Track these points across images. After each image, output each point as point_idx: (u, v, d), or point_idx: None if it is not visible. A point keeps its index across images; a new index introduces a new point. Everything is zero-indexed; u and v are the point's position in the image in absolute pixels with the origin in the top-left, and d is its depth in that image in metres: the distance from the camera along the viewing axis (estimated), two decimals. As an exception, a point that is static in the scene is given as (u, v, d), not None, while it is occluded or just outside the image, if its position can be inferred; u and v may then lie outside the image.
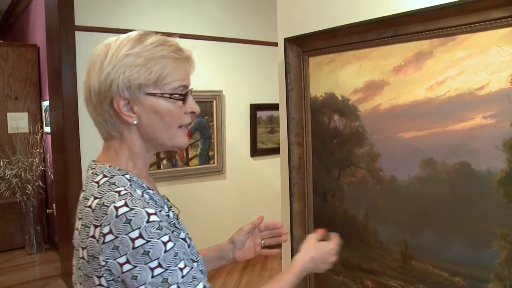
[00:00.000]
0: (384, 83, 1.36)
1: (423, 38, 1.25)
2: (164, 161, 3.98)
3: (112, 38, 0.96)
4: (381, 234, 1.42)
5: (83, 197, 0.92)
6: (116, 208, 0.81)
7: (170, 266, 0.82)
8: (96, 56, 0.94)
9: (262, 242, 1.31)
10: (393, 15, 1.27)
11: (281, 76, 1.72)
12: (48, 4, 3.66)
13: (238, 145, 4.41)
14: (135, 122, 0.94)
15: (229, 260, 1.29)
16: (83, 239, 0.86)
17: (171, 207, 1.05)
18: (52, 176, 4.33)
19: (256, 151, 4.55)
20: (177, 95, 0.95)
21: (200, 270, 0.97)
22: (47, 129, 4.61)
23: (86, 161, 3.54)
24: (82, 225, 0.87)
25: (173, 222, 0.98)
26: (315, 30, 1.54)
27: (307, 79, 1.64)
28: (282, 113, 1.78)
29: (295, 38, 1.61)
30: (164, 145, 1.00)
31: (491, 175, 1.13)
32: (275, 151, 4.25)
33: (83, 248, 0.86)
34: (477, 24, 1.14)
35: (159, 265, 0.81)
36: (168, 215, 0.97)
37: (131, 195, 0.85)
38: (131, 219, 0.80)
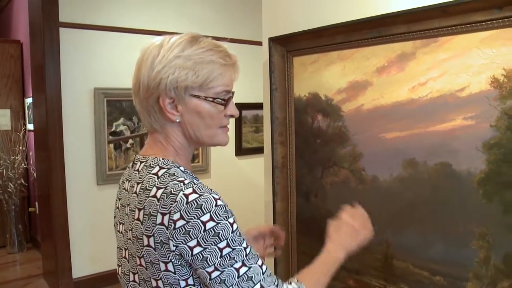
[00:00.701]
0: (368, 83, 1.36)
1: (406, 40, 1.25)
2: (149, 160, 3.95)
3: (165, 38, 1.00)
4: (363, 234, 1.42)
5: (141, 188, 0.94)
6: (186, 195, 0.86)
7: (236, 246, 0.87)
8: (149, 53, 0.98)
9: (264, 246, 1.34)
10: (377, 16, 1.27)
11: (265, 75, 1.71)
12: (31, 0, 3.60)
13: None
14: (177, 120, 0.98)
15: None
16: (148, 227, 0.89)
17: None
18: (34, 174, 4.26)
19: (241, 150, 4.54)
20: (220, 100, 0.98)
21: None
22: (30, 126, 4.53)
23: (69, 159, 3.51)
24: (145, 214, 0.90)
25: None
26: (299, 30, 1.53)
27: (291, 78, 1.64)
28: (266, 112, 1.77)
29: (280, 38, 1.61)
30: (205, 143, 1.04)
31: (471, 176, 1.14)
32: (260, 150, 4.23)
33: (148, 236, 0.89)
34: (458, 27, 1.14)
35: (228, 245, 0.86)
36: None
37: (195, 183, 0.90)
38: (201, 204, 0.86)
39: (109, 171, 3.73)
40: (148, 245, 0.89)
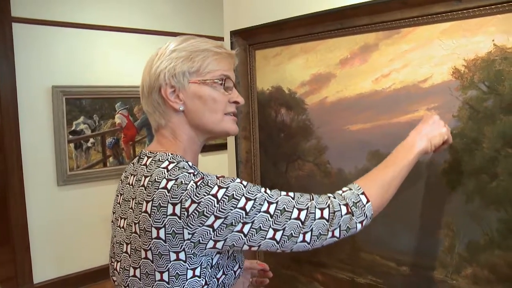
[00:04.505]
0: (331, 75, 1.32)
1: (369, 31, 1.22)
2: (111, 159, 3.80)
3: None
4: (329, 227, 1.38)
5: (149, 181, 0.91)
6: (195, 182, 0.85)
7: (256, 195, 0.85)
8: (149, 59, 1.01)
9: (251, 280, 1.30)
10: (339, 8, 1.23)
11: (228, 70, 1.64)
12: (-18, -5, 3.37)
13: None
14: (181, 108, 0.98)
15: None
16: (157, 219, 0.86)
17: None
18: (-10, 176, 4.02)
19: (204, 147, 4.45)
20: (218, 80, 0.98)
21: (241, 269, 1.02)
22: (-15, 127, 4.27)
23: (27, 160, 3.32)
24: (154, 206, 0.87)
25: None
26: (261, 23, 1.47)
27: (253, 72, 1.58)
28: (229, 107, 1.70)
29: (241, 31, 1.54)
30: (212, 130, 1.02)
31: (435, 166, 1.12)
32: (223, 146, 4.17)
33: (158, 228, 0.86)
34: (419, 18, 1.12)
35: (247, 200, 0.84)
36: None
37: (203, 174, 0.89)
38: (207, 182, 0.85)
39: (70, 171, 3.55)
40: (158, 237, 0.86)
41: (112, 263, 1.02)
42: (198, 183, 0.85)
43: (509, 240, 1.02)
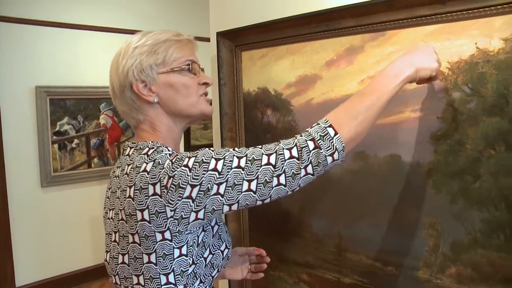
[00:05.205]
0: (317, 77, 1.32)
1: (355, 33, 1.21)
2: (95, 160, 3.74)
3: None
4: (316, 228, 1.37)
5: (131, 168, 0.93)
6: (171, 160, 0.87)
7: (225, 155, 0.86)
8: (113, 59, 1.03)
9: (250, 267, 1.32)
10: (325, 10, 1.23)
11: (214, 70, 1.63)
12: (-37, -6, 3.30)
13: (172, 142, 4.25)
14: (155, 100, 1.00)
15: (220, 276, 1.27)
16: (140, 201, 0.88)
17: None
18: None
19: (190, 148, 4.43)
20: (185, 66, 1.01)
21: (228, 256, 1.04)
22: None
23: (10, 161, 3.25)
24: (136, 189, 0.89)
25: None
26: (248, 24, 1.46)
27: (239, 73, 1.57)
28: (214, 108, 1.68)
29: (228, 32, 1.53)
30: (190, 114, 1.04)
31: (420, 167, 1.12)
32: (209, 147, 4.15)
33: (141, 210, 0.87)
34: (405, 21, 1.12)
35: (217, 160, 0.85)
36: None
37: (180, 153, 0.91)
38: (181, 157, 0.87)
39: (54, 172, 3.50)
40: (142, 219, 0.88)
41: (105, 256, 1.03)
42: (173, 160, 0.87)
43: (492, 239, 1.03)
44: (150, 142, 0.98)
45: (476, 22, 1.01)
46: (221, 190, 0.84)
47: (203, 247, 0.93)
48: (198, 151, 0.89)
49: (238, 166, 0.85)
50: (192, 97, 1.02)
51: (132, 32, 3.85)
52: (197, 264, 0.92)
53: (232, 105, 1.59)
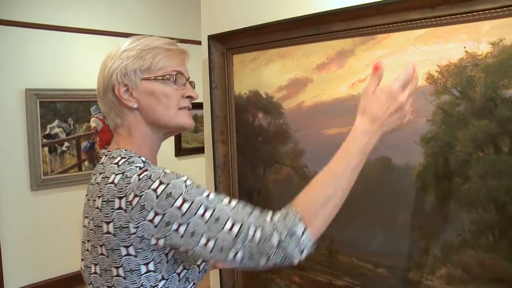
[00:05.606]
0: (308, 80, 1.32)
1: (345, 37, 1.22)
2: (86, 163, 3.71)
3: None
4: (307, 230, 1.37)
5: (102, 178, 0.92)
6: (138, 175, 0.85)
7: (194, 198, 0.82)
8: (103, 60, 1.01)
9: None
10: (316, 13, 1.23)
11: (205, 74, 1.62)
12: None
13: (163, 145, 4.23)
14: (134, 106, 0.98)
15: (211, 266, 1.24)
16: (107, 214, 0.87)
17: None
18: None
19: (180, 151, 4.40)
20: (169, 76, 0.98)
21: (205, 269, 1.01)
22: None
23: (-3, 164, 3.21)
24: (104, 201, 0.88)
25: None
26: (239, 28, 1.46)
27: (231, 77, 1.56)
28: (206, 111, 1.68)
29: (219, 36, 1.53)
30: (166, 125, 1.01)
31: (410, 169, 1.12)
32: (200, 150, 4.13)
33: (107, 223, 0.86)
34: (395, 24, 1.13)
35: (184, 201, 0.81)
36: None
37: (150, 167, 0.89)
38: (151, 175, 0.84)
39: (44, 175, 3.46)
40: (108, 232, 0.87)
41: (81, 264, 1.02)
42: (141, 176, 0.84)
43: (481, 240, 1.03)
44: (123, 151, 0.96)
45: (464, 27, 1.02)
46: (181, 231, 0.81)
47: (175, 263, 0.90)
48: (172, 176, 0.84)
49: (202, 217, 0.81)
50: (172, 108, 0.99)
51: (123, 35, 3.81)
52: (169, 280, 0.89)
53: (224, 108, 1.59)
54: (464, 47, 1.02)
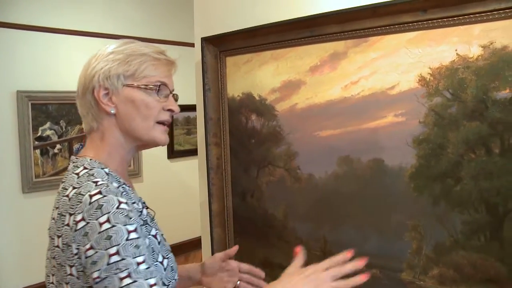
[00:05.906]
0: (301, 82, 1.32)
1: (338, 39, 1.22)
2: (78, 165, 3.69)
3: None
4: (301, 231, 1.37)
5: (62, 188, 0.90)
6: (90, 196, 0.80)
7: (127, 257, 0.76)
8: (88, 59, 0.98)
9: (238, 283, 1.20)
10: (309, 16, 1.23)
11: (198, 76, 1.62)
12: None
13: (155, 147, 4.21)
14: (112, 111, 0.94)
15: (195, 282, 1.21)
16: (59, 227, 0.84)
17: (147, 207, 1.03)
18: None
19: (173, 153, 4.39)
20: (152, 86, 0.95)
21: (171, 267, 0.97)
22: None
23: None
24: (58, 214, 0.86)
25: (146, 219, 0.96)
26: (232, 30, 1.46)
27: (224, 79, 1.56)
28: (199, 113, 1.67)
29: (212, 38, 1.52)
30: (141, 137, 0.97)
31: (402, 171, 1.13)
32: (192, 152, 4.12)
33: (58, 237, 0.84)
34: (387, 27, 1.13)
35: (117, 253, 0.76)
36: (141, 211, 0.96)
37: (107, 185, 0.83)
38: (102, 205, 0.79)
39: (35, 178, 3.43)
40: (57, 246, 0.84)
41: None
42: (92, 200, 0.79)
43: (473, 241, 1.04)
44: (88, 160, 0.92)
45: (455, 30, 1.03)
46: (96, 279, 0.76)
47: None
48: (123, 214, 0.79)
49: (120, 281, 0.75)
50: (149, 121, 0.95)
51: (115, 37, 3.80)
52: None
53: (217, 110, 1.58)
54: (456, 50, 1.03)
